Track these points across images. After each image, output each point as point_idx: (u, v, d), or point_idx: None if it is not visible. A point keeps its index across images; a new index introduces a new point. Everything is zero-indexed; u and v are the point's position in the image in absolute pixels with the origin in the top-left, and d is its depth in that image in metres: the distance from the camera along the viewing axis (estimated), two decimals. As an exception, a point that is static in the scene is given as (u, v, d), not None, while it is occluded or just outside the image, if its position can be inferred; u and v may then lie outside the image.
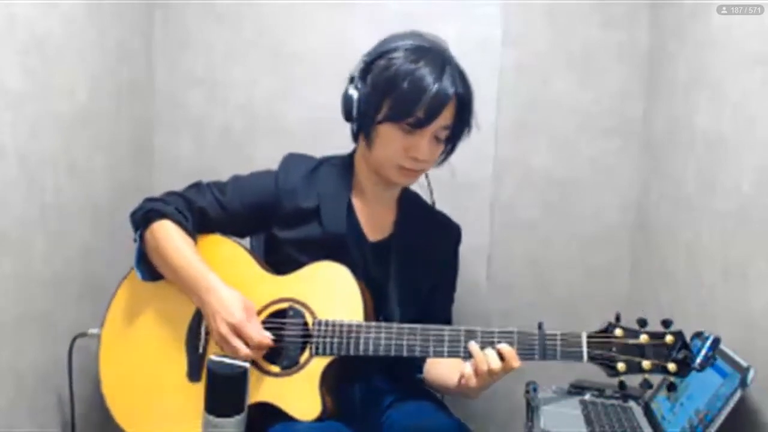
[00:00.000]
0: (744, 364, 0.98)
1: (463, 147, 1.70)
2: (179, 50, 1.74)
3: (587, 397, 1.28)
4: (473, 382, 1.06)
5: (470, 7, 1.68)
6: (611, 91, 1.68)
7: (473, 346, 1.05)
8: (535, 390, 1.28)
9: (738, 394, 0.96)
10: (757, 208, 1.09)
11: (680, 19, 1.46)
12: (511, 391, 1.51)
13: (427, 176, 1.31)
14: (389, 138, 1.15)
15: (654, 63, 1.63)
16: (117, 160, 1.57)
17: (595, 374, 1.39)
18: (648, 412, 1.19)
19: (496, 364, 1.03)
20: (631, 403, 1.25)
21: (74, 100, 1.37)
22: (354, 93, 1.17)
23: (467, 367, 1.07)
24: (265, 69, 1.73)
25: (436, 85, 1.11)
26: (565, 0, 1.67)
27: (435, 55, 1.15)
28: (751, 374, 0.96)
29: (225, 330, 1.08)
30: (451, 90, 1.13)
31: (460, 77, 1.17)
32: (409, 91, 1.11)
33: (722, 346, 1.07)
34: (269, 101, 1.73)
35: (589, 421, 1.15)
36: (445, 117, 1.15)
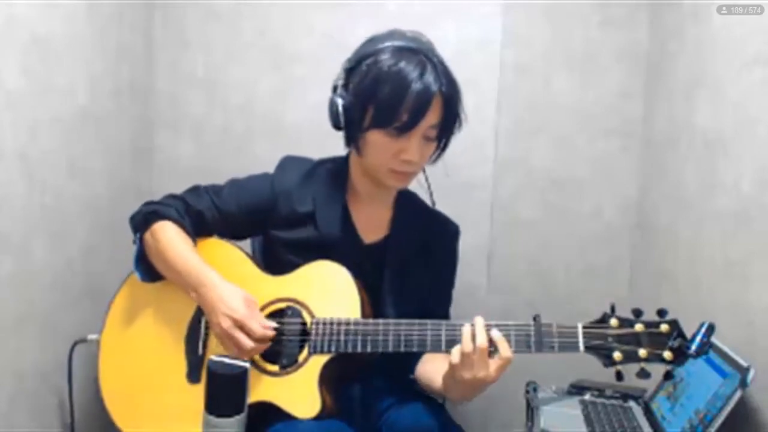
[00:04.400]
0: (744, 364, 0.99)
1: (464, 147, 1.71)
2: (179, 50, 1.74)
3: (587, 397, 1.28)
4: (456, 359, 1.01)
5: (470, 7, 1.68)
6: (611, 91, 1.68)
7: (465, 328, 1.03)
8: (535, 390, 1.28)
9: (738, 394, 0.96)
10: (757, 208, 1.09)
11: (680, 19, 1.46)
12: (511, 391, 1.51)
13: (426, 176, 1.30)
14: (378, 144, 1.14)
15: (654, 63, 1.63)
16: (117, 160, 1.57)
17: (595, 374, 1.39)
18: (648, 412, 1.19)
19: (482, 340, 1.00)
20: (631, 403, 1.25)
21: (74, 100, 1.37)
22: (339, 101, 1.15)
23: (455, 354, 1.03)
24: (265, 69, 1.73)
25: (417, 85, 1.08)
26: (565, 0, 1.67)
27: (414, 53, 1.12)
28: (751, 374, 0.96)
29: (227, 324, 1.08)
30: (434, 88, 1.10)
31: (444, 72, 1.13)
32: (390, 94, 1.09)
33: (722, 346, 1.08)
34: (269, 101, 1.73)
35: (589, 421, 1.15)
36: (432, 115, 1.12)
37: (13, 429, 1.21)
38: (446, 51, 1.68)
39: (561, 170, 1.71)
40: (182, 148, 1.76)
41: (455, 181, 1.72)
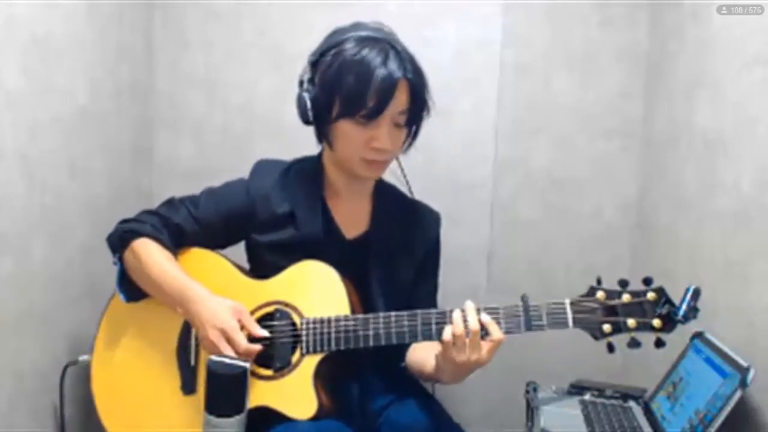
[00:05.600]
0: (744, 364, 0.98)
1: (463, 147, 1.72)
2: (179, 50, 1.74)
3: (587, 397, 1.28)
4: (448, 337, 1.03)
5: (470, 7, 1.68)
6: (611, 91, 1.69)
7: (456, 313, 1.04)
8: (535, 390, 1.28)
9: (738, 394, 0.96)
10: (757, 208, 1.09)
11: (680, 19, 1.46)
12: (511, 391, 1.51)
13: (401, 167, 1.30)
14: (348, 134, 1.14)
15: (654, 63, 1.63)
16: (117, 160, 1.57)
17: (595, 374, 1.39)
18: (648, 412, 1.19)
19: (473, 323, 1.02)
20: (631, 403, 1.25)
21: (74, 100, 1.37)
22: (306, 96, 1.16)
23: (446, 332, 1.04)
24: (265, 69, 1.73)
25: (381, 71, 1.09)
26: (565, 0, 1.67)
27: (377, 42, 1.13)
28: (751, 374, 0.96)
29: (215, 336, 1.07)
30: (398, 74, 1.10)
31: (408, 59, 1.14)
32: (355, 83, 1.09)
33: (722, 346, 1.08)
34: (269, 101, 1.73)
35: (589, 421, 1.15)
36: (399, 102, 1.12)
37: (13, 429, 1.21)
38: (446, 51, 1.71)
39: (561, 170, 1.71)
40: (182, 148, 1.76)
41: (455, 181, 1.72)
